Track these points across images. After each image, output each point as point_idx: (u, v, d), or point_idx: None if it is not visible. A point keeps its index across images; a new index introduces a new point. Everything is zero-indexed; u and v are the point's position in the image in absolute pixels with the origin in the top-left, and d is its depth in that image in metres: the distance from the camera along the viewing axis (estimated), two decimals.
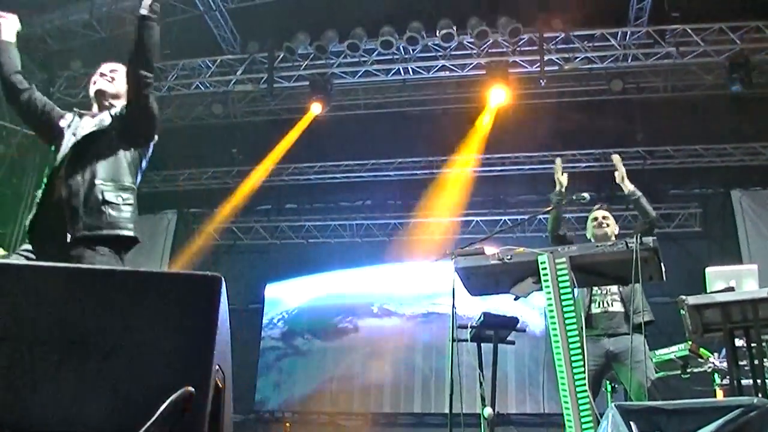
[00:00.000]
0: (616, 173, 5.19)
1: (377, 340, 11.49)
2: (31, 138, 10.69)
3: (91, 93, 3.60)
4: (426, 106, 11.27)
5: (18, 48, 3.63)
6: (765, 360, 4.87)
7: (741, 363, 4.90)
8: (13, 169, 10.52)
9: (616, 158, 5.32)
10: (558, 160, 5.29)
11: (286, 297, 12.40)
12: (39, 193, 3.35)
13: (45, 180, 3.35)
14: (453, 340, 4.92)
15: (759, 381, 4.37)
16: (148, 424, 1.64)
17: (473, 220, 12.06)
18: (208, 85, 10.41)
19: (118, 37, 9.78)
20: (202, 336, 1.82)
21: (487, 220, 11.96)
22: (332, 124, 11.28)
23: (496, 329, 5.41)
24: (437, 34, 9.35)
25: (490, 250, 4.07)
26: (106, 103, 3.54)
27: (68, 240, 3.16)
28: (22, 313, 1.78)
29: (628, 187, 5.21)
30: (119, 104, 3.52)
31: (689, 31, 9.08)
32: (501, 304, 5.10)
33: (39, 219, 3.27)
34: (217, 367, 1.86)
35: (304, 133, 11.33)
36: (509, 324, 5.43)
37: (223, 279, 1.94)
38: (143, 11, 3.38)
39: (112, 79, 3.57)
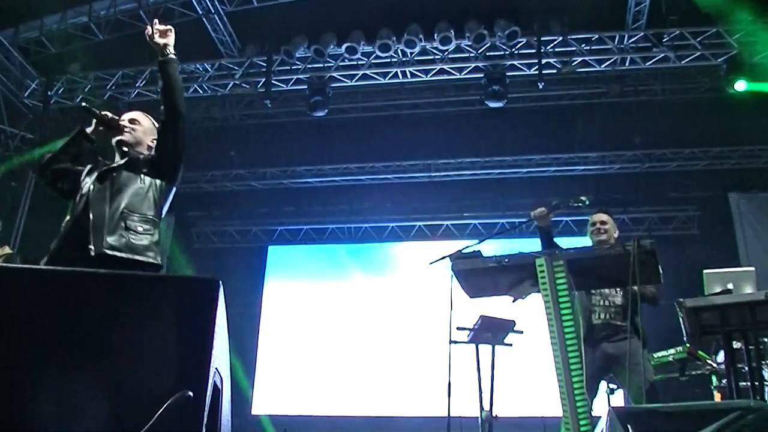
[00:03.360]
0: None
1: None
2: (29, 142, 10.70)
3: (113, 143, 3.80)
4: (424, 109, 11.27)
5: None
6: (763, 362, 4.89)
7: (738, 365, 4.91)
8: (12, 172, 10.51)
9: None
10: (538, 210, 5.14)
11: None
12: (65, 222, 3.55)
13: (70, 208, 3.56)
14: (451, 342, 4.94)
15: (756, 383, 4.38)
16: (147, 426, 1.64)
17: (471, 223, 12.08)
18: (206, 88, 10.40)
19: (116, 41, 9.81)
20: (201, 339, 1.82)
21: (485, 223, 11.98)
22: (330, 128, 11.28)
23: (493, 332, 5.43)
24: (435, 37, 9.36)
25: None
26: (127, 151, 3.76)
27: (92, 254, 3.31)
28: (24, 316, 1.78)
29: None
30: (140, 151, 3.79)
31: (686, 34, 9.10)
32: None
33: (64, 244, 3.44)
34: (216, 369, 1.87)
35: (302, 136, 11.34)
36: (507, 326, 5.44)
37: (221, 282, 1.94)
38: (160, 57, 3.69)
39: (132, 129, 3.80)
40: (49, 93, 10.39)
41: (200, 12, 9.54)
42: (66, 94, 10.55)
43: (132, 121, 3.85)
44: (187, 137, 3.74)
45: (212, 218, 12.88)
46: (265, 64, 10.03)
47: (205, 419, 1.76)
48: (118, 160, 3.75)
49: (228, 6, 9.56)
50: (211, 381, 1.81)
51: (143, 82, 10.34)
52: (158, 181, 3.69)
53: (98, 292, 1.87)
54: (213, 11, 9.57)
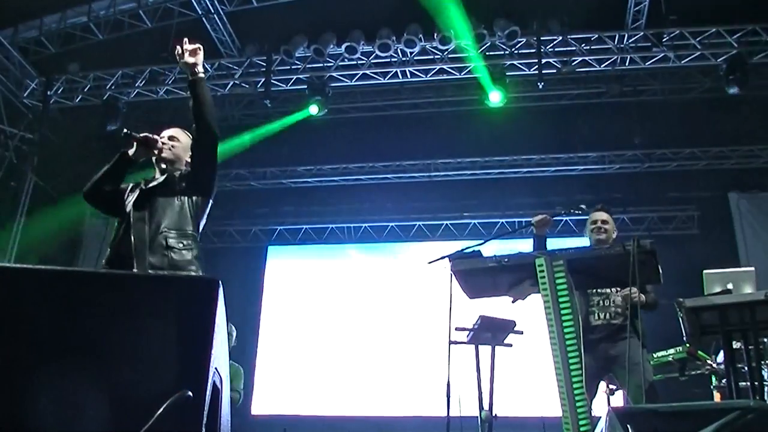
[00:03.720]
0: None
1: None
2: (28, 142, 10.69)
3: (153, 160, 3.95)
4: (424, 109, 11.27)
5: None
6: (762, 362, 4.88)
7: (738, 365, 4.90)
8: (12, 172, 10.51)
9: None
10: (540, 218, 5.17)
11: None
12: (112, 240, 3.74)
13: (116, 227, 3.75)
14: (450, 343, 4.93)
15: (756, 383, 4.38)
16: (146, 426, 1.64)
17: (471, 223, 12.07)
18: None
19: (116, 40, 9.81)
20: (200, 338, 1.82)
21: (484, 223, 11.97)
22: (330, 127, 11.28)
23: (493, 332, 5.42)
24: (435, 36, 9.37)
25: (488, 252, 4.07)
26: (166, 167, 3.93)
27: None
28: (23, 316, 1.78)
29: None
30: (178, 167, 3.95)
31: (686, 34, 9.11)
32: None
33: (111, 262, 3.61)
34: (215, 369, 1.87)
35: (302, 136, 11.33)
36: (507, 327, 5.43)
37: (220, 282, 1.94)
38: (190, 77, 3.80)
39: (171, 147, 3.94)
40: (48, 93, 10.38)
41: (200, 12, 9.55)
42: (65, 94, 10.55)
43: (171, 138, 3.98)
44: (218, 152, 3.88)
45: (212, 218, 12.80)
46: (264, 64, 10.03)
47: (205, 419, 1.75)
48: (158, 176, 3.91)
49: (227, 6, 9.56)
50: (210, 381, 1.81)
51: (143, 82, 10.34)
52: (195, 197, 3.85)
53: (97, 292, 1.86)
54: (212, 11, 9.58)
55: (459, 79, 10.25)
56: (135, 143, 3.84)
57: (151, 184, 3.84)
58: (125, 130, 3.88)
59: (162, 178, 3.85)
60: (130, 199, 3.80)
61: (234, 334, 7.40)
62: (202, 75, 3.81)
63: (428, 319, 10.62)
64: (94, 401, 1.70)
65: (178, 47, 3.76)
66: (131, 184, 3.91)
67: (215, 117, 3.84)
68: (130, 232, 3.62)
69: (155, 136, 3.91)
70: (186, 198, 3.80)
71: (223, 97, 10.93)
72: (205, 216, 4.01)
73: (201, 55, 3.80)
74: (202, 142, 3.81)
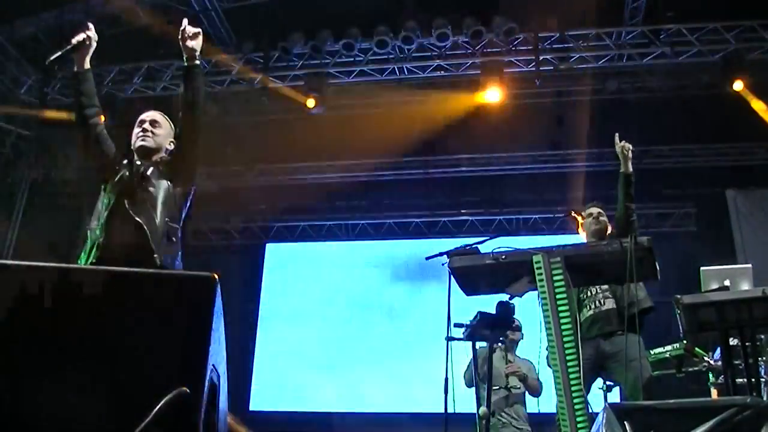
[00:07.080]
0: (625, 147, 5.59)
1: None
2: (25, 138, 10.67)
3: (134, 147, 3.78)
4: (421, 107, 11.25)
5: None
6: (759, 359, 4.89)
7: (735, 362, 4.91)
8: (8, 168, 10.49)
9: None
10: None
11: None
12: (98, 233, 3.46)
13: (103, 221, 3.48)
14: (448, 339, 4.93)
15: (753, 380, 4.39)
16: (143, 424, 1.64)
17: (468, 220, 12.06)
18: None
19: (113, 37, 9.78)
20: (197, 336, 1.82)
21: (481, 220, 11.97)
22: (327, 124, 11.26)
23: (491, 328, 5.42)
24: (432, 33, 9.35)
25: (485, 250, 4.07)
26: (146, 156, 3.74)
27: (157, 263, 3.36)
28: (20, 314, 1.78)
29: (630, 168, 5.46)
30: (159, 156, 3.77)
31: (684, 30, 9.10)
32: None
33: (103, 259, 3.33)
34: (212, 366, 1.86)
35: (300, 133, 11.32)
36: (505, 323, 5.43)
37: (217, 279, 1.94)
38: (188, 62, 3.71)
39: (152, 134, 3.78)
40: (45, 90, 10.35)
41: (197, 8, 9.52)
42: (62, 91, 10.51)
43: (153, 123, 3.84)
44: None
45: (209, 215, 12.82)
46: (262, 61, 10.01)
47: (202, 416, 1.75)
48: (144, 164, 3.71)
49: (225, 2, 9.55)
50: (207, 378, 1.81)
51: (140, 78, 10.31)
52: (180, 188, 3.70)
53: (94, 290, 1.86)
54: (210, 7, 9.56)
55: (456, 76, 10.23)
56: (70, 56, 3.81)
57: (144, 169, 3.64)
58: (47, 62, 3.83)
59: (150, 170, 3.66)
60: (122, 172, 3.63)
61: None
62: (199, 62, 3.74)
63: (426, 316, 10.63)
64: (91, 399, 1.70)
65: (181, 31, 3.67)
66: (125, 161, 3.71)
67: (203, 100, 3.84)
68: (136, 218, 3.44)
69: (74, 40, 3.85)
70: (173, 188, 3.64)
71: (221, 94, 10.90)
72: (189, 204, 3.81)
73: (200, 40, 3.72)
74: (194, 131, 3.76)
